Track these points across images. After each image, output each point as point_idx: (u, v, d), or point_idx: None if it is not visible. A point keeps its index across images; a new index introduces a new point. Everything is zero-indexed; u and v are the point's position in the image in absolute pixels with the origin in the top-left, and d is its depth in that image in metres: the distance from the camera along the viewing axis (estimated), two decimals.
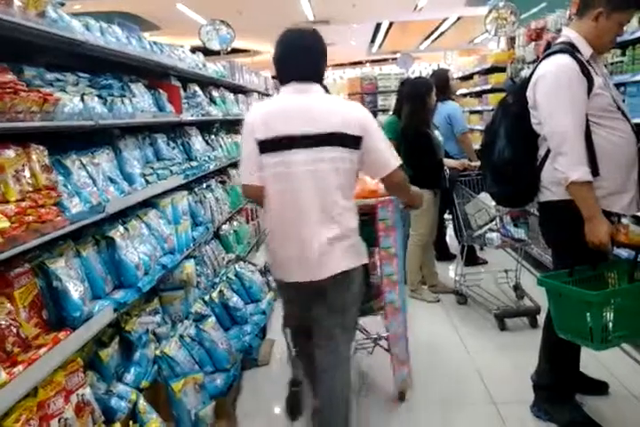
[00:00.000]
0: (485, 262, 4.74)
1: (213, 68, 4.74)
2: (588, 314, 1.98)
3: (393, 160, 2.08)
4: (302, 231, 2.00)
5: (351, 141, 1.99)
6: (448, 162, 3.98)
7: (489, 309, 3.54)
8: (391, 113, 4.45)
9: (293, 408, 2.39)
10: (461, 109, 4.90)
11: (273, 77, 9.07)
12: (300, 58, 2.05)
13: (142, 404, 2.13)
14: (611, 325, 1.97)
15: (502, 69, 5.97)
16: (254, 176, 2.04)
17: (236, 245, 4.61)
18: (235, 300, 3.38)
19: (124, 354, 2.40)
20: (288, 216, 2.03)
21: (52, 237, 1.77)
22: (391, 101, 6.84)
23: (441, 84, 4.58)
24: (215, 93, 4.75)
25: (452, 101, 4.69)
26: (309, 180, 1.98)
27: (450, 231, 4.95)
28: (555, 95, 2.10)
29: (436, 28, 14.65)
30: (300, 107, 2.02)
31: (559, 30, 4.08)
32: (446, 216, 4.82)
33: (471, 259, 4.55)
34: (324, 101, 2.07)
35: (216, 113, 4.43)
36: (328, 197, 2.00)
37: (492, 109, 5.74)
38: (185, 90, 3.98)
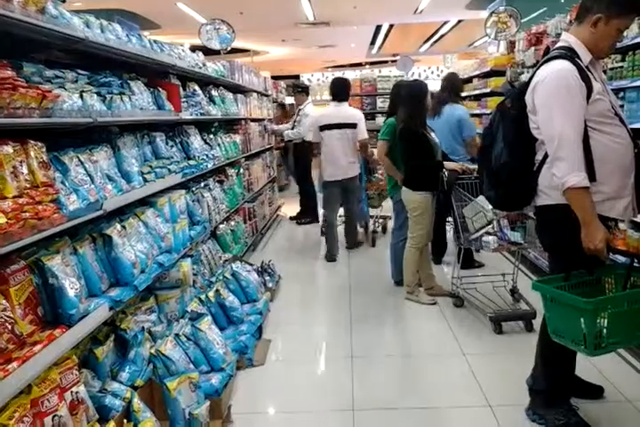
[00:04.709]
0: (482, 265, 4.74)
1: (213, 68, 4.74)
2: (582, 320, 1.97)
3: (365, 134, 5.25)
4: (339, 160, 5.17)
5: (354, 125, 5.17)
6: (447, 164, 3.98)
7: (485, 312, 3.55)
8: (387, 115, 4.44)
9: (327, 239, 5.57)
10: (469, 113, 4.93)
11: (272, 77, 9.10)
12: (340, 91, 5.31)
13: (137, 402, 2.13)
14: (605, 331, 1.97)
15: (502, 73, 5.98)
16: (317, 138, 5.31)
17: (233, 245, 4.61)
18: (231, 299, 3.38)
19: (120, 352, 2.40)
20: (332, 155, 5.20)
21: (49, 234, 1.77)
22: None
23: (455, 86, 4.68)
24: (214, 93, 4.75)
25: (461, 105, 4.72)
26: (339, 141, 5.16)
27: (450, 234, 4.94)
28: (554, 100, 2.10)
29: (436, 31, 14.63)
30: (336, 112, 5.24)
31: (559, 35, 4.07)
32: (450, 219, 4.81)
33: (468, 262, 4.55)
34: (347, 109, 5.32)
35: (215, 112, 4.43)
36: (346, 147, 5.18)
37: (491, 113, 5.74)
38: (184, 89, 3.97)
